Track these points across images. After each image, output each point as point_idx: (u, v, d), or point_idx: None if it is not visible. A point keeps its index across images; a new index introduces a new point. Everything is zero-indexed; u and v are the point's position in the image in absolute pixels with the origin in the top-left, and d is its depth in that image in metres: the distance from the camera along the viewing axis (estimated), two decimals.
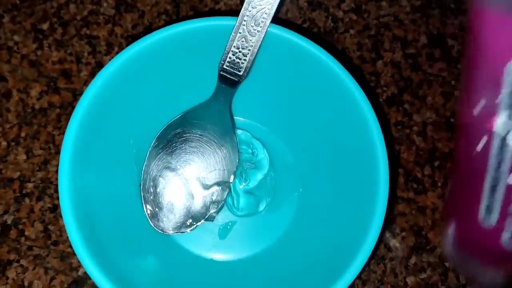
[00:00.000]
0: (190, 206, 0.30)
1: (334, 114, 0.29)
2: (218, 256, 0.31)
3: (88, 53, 0.36)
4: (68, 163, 0.26)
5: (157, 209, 0.30)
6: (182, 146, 0.31)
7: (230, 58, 0.28)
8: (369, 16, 0.38)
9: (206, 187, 0.31)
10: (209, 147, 0.31)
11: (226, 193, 0.31)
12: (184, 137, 0.31)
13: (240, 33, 0.27)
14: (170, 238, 0.31)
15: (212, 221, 0.31)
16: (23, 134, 0.33)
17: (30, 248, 0.32)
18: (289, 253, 0.30)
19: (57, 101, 0.34)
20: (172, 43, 0.28)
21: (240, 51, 0.28)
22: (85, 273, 0.31)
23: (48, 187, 0.33)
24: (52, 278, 0.31)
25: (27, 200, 0.32)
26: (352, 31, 0.38)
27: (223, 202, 0.31)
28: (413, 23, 0.38)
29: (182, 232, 0.30)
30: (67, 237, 0.29)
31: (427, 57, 0.38)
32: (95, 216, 0.26)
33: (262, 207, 0.32)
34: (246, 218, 0.32)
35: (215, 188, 0.31)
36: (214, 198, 0.30)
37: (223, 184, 0.31)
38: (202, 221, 0.30)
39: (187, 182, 0.31)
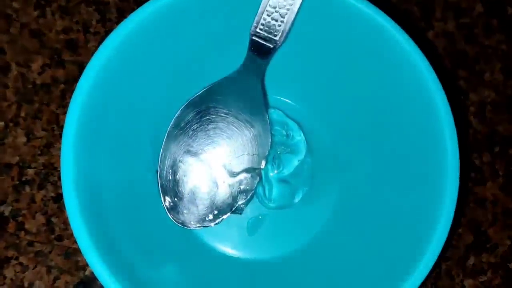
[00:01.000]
0: (214, 196, 0.26)
1: (388, 89, 0.25)
2: (246, 254, 0.28)
3: (97, 21, 0.32)
4: (72, 147, 0.22)
5: (176, 200, 0.26)
6: (205, 127, 0.26)
7: (264, 19, 0.24)
8: None
9: (233, 174, 0.27)
10: (236, 128, 0.26)
11: (256, 181, 0.27)
12: (207, 116, 0.26)
13: None
14: (191, 234, 0.28)
15: (240, 213, 0.27)
16: (22, 114, 0.30)
17: (30, 243, 0.29)
18: (329, 253, 0.28)
19: (61, 76, 0.31)
20: (192, 3, 0.24)
21: (276, 11, 0.23)
22: (93, 273, 0.27)
23: (51, 174, 0.30)
24: (56, 278, 0.29)
25: (27, 188, 0.30)
26: None
27: (252, 192, 0.27)
28: None
29: (206, 226, 0.26)
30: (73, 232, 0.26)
31: (483, 27, 0.33)
32: (104, 208, 0.23)
33: (297, 198, 0.28)
34: (279, 211, 0.28)
35: (244, 175, 0.27)
36: (242, 187, 0.27)
37: (252, 171, 0.26)
38: (229, 213, 0.26)
39: (211, 168, 0.27)
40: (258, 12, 0.24)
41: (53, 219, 0.29)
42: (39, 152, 0.30)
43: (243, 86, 0.26)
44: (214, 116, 0.27)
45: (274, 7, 0.23)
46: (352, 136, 0.28)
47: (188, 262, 0.28)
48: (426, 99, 0.23)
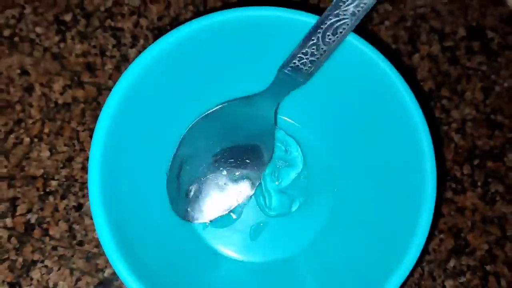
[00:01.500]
0: (216, 196, 0.29)
1: (375, 111, 0.28)
2: (249, 257, 0.30)
3: (113, 46, 0.34)
4: (99, 160, 0.24)
5: (179, 194, 0.29)
6: (216, 138, 0.29)
7: (294, 63, 0.26)
8: (405, 7, 0.36)
9: (235, 180, 0.29)
10: (244, 141, 0.29)
11: (253, 189, 0.29)
12: (219, 129, 0.29)
13: (313, 40, 0.25)
14: (200, 238, 0.30)
15: (237, 216, 0.30)
16: (46, 130, 0.32)
17: (54, 248, 0.31)
18: (323, 257, 0.29)
19: (81, 96, 0.33)
20: (205, 35, 0.26)
21: (307, 59, 0.26)
22: (112, 274, 0.30)
23: (73, 185, 0.32)
24: (78, 280, 0.30)
25: (51, 198, 0.31)
26: (387, 23, 0.36)
27: (249, 197, 0.29)
28: (451, 14, 0.36)
29: (203, 222, 0.29)
30: (93, 237, 0.29)
31: (465, 50, 0.36)
32: (126, 215, 0.25)
33: (295, 207, 0.30)
34: (278, 218, 0.30)
35: (245, 182, 0.29)
36: (241, 192, 0.29)
37: (253, 179, 0.29)
38: (225, 212, 0.29)
39: (216, 171, 0.29)
40: (291, 55, 0.26)
41: (75, 226, 0.31)
42: (61, 165, 0.32)
43: (259, 109, 0.29)
44: (226, 130, 0.29)
45: (306, 55, 0.26)
46: (345, 152, 0.30)
47: (195, 262, 0.29)
48: (406, 118, 0.25)
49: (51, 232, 0.31)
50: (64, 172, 0.32)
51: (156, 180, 0.29)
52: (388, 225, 0.26)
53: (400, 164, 0.27)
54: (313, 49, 0.25)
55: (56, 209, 0.31)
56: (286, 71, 0.26)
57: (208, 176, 0.29)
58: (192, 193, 0.29)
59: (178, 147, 0.29)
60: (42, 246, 0.31)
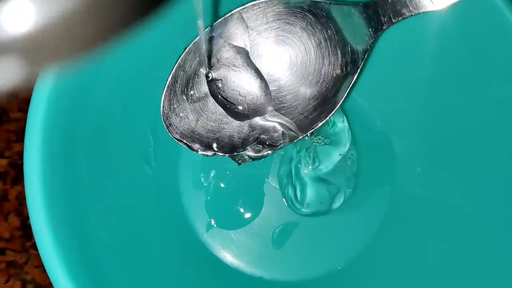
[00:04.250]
0: (226, 124, 0.22)
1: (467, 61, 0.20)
2: (271, 274, 0.25)
3: None
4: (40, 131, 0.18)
5: (180, 105, 0.21)
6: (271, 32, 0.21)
7: None
8: None
9: (264, 117, 0.22)
10: (309, 55, 0.21)
11: (282, 144, 0.22)
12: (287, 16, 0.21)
13: None
14: (200, 244, 0.25)
15: (238, 164, 0.23)
16: None
17: (2, 251, 0.26)
18: (376, 274, 0.24)
19: None
20: None
21: None
22: None
23: None
24: None
25: None
26: None
27: (269, 152, 0.22)
28: None
29: (194, 149, 0.22)
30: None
31: None
32: (87, 211, 0.20)
33: (338, 203, 0.25)
34: (313, 218, 0.25)
35: (275, 127, 0.22)
36: (263, 137, 0.22)
37: (288, 130, 0.22)
38: (227, 155, 0.22)
39: (242, 90, 0.21)
40: None
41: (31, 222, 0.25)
42: (14, 138, 0.27)
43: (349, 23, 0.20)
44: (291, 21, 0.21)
45: None
46: (410, 124, 0.24)
47: (193, 280, 0.24)
48: None
49: None
50: (17, 147, 0.26)
51: (136, 164, 0.23)
52: (479, 236, 0.21)
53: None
54: None
55: (5, 198, 0.26)
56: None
57: (230, 88, 0.21)
58: (196, 95, 0.21)
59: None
60: None
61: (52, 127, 0.18)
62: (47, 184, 0.18)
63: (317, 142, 0.24)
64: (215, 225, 0.25)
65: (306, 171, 0.24)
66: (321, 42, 0.20)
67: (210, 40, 0.21)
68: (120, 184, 0.21)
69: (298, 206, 0.25)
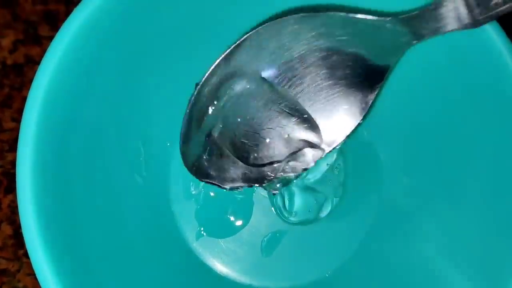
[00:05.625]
0: (255, 149, 0.20)
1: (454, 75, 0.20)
2: (260, 281, 0.24)
3: None
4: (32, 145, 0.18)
5: (196, 131, 0.20)
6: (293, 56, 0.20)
7: None
8: None
9: (291, 139, 0.21)
10: (332, 74, 0.20)
11: (312, 164, 0.21)
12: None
13: None
14: (189, 253, 0.24)
15: (269, 192, 0.23)
16: None
17: None
18: (363, 281, 0.24)
19: (37, 55, 0.27)
20: None
21: None
22: None
23: None
24: None
25: None
26: None
27: (299, 175, 0.21)
28: None
29: (216, 184, 0.20)
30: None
31: None
32: (78, 220, 0.20)
33: (325, 211, 0.25)
34: (301, 227, 0.25)
35: (304, 147, 0.21)
36: (292, 163, 0.21)
37: (317, 150, 0.21)
38: (257, 185, 0.21)
39: (278, 110, 0.20)
40: None
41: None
42: (7, 148, 0.26)
43: (384, 37, 0.19)
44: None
45: None
46: (399, 132, 0.24)
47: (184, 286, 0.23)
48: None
49: None
50: (10, 156, 0.26)
51: (125, 175, 0.23)
52: (472, 249, 0.20)
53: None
54: None
55: None
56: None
57: (252, 106, 0.20)
58: (217, 133, 0.20)
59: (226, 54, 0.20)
60: None
61: (44, 137, 0.18)
62: (39, 193, 0.18)
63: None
64: (204, 234, 0.24)
65: (294, 181, 0.23)
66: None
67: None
68: (111, 193, 0.21)
69: (286, 215, 0.24)
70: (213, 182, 0.20)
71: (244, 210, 0.25)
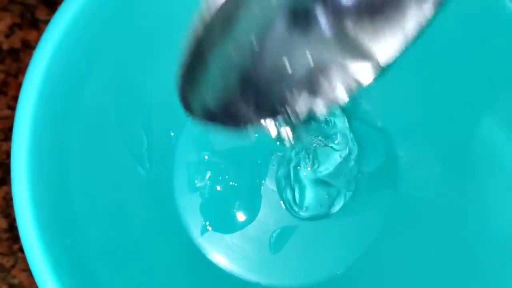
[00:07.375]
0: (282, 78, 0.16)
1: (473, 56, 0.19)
2: (268, 279, 0.24)
3: None
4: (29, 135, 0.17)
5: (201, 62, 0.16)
6: None
7: None
8: None
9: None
10: None
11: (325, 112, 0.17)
12: None
13: None
14: (194, 249, 0.24)
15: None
16: None
17: None
18: (376, 280, 0.24)
19: (34, 40, 0.27)
20: None
21: None
22: None
23: None
24: None
25: None
26: None
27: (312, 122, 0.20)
28: None
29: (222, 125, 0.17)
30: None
31: None
32: (76, 214, 0.19)
33: (337, 206, 0.24)
34: (312, 222, 0.25)
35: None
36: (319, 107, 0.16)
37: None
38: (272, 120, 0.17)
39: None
40: None
41: None
42: (3, 137, 0.26)
43: None
44: None
45: None
46: (413, 125, 0.24)
47: (191, 286, 0.23)
48: None
49: None
50: (5, 146, 0.26)
51: (127, 166, 0.22)
52: (483, 242, 0.20)
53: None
54: None
55: None
56: None
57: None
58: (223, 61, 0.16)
59: None
60: None
61: (41, 125, 0.17)
62: (35, 185, 0.17)
63: (317, 143, 0.23)
64: (210, 229, 0.24)
65: (305, 173, 0.23)
66: None
67: None
68: (111, 185, 0.21)
69: (296, 209, 0.24)
70: (217, 122, 0.17)
71: (251, 204, 0.24)
